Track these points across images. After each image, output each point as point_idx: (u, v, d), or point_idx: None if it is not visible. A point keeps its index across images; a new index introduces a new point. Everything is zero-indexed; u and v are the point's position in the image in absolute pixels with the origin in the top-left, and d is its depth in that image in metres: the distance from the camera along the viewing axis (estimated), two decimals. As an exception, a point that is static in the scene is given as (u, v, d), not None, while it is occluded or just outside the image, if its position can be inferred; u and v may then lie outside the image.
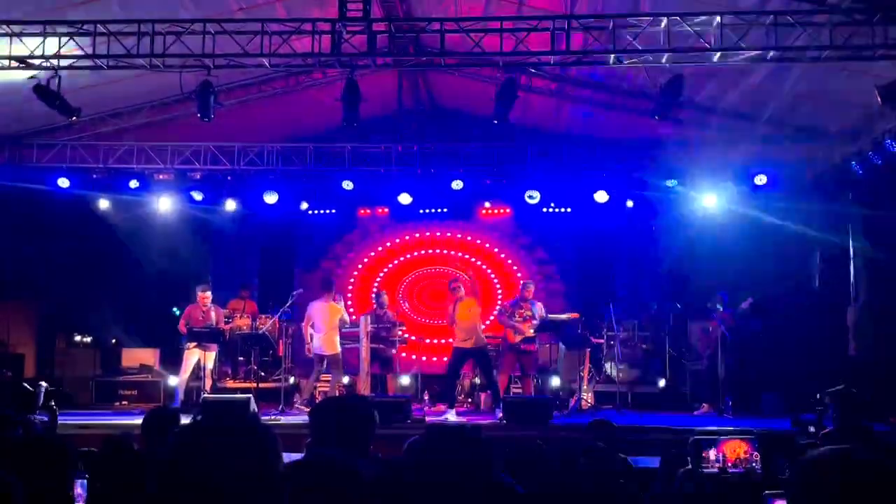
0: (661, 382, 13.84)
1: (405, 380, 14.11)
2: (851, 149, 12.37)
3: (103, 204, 14.64)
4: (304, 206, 15.72)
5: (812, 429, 8.57)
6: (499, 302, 16.02)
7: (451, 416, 11.77)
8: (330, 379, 13.13)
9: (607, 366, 14.23)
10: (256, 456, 1.98)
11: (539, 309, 12.85)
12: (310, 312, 12.99)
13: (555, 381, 13.40)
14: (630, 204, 14.48)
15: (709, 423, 11.19)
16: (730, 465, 6.98)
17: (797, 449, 6.88)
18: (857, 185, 12.59)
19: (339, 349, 12.82)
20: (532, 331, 12.61)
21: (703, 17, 9.52)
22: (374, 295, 14.63)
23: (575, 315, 13.49)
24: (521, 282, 13.88)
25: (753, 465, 6.92)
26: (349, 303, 16.40)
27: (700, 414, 12.62)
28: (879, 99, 9.87)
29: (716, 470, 6.82)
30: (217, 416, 2.06)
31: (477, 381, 13.65)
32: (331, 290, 13.03)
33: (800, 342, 13.56)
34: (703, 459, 6.78)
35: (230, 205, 15.24)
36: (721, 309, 12.78)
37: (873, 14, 9.12)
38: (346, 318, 13.08)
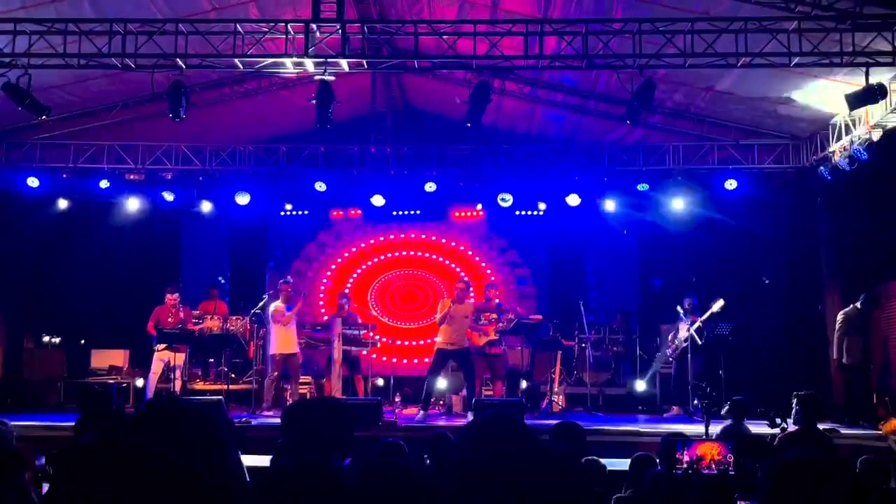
0: (642, 386, 13.89)
1: (377, 382, 14.07)
2: (820, 154, 12.52)
3: (73, 204, 14.50)
4: (277, 207, 15.68)
5: (779, 420, 8.91)
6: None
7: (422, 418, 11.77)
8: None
9: (578, 368, 14.31)
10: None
11: (506, 313, 12.88)
12: None
13: (523, 384, 13.42)
14: (604, 207, 14.54)
15: (679, 425, 11.28)
16: (703, 466, 7.06)
17: (769, 451, 7.00)
18: (826, 191, 12.75)
19: (272, 349, 12.99)
20: (496, 333, 12.61)
21: (674, 23, 9.61)
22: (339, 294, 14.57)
23: (539, 317, 13.52)
24: (486, 284, 13.86)
25: (727, 466, 7.00)
26: (321, 303, 16.38)
27: (670, 416, 12.71)
28: (847, 106, 10.02)
29: (689, 472, 6.90)
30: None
31: (444, 384, 13.59)
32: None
33: (769, 345, 13.72)
34: (677, 461, 6.86)
35: (201, 205, 15.16)
36: (690, 312, 12.86)
37: (842, 22, 9.26)
38: (271, 312, 13.04)
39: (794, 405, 7.75)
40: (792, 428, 7.94)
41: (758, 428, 9.33)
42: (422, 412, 11.97)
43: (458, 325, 12.20)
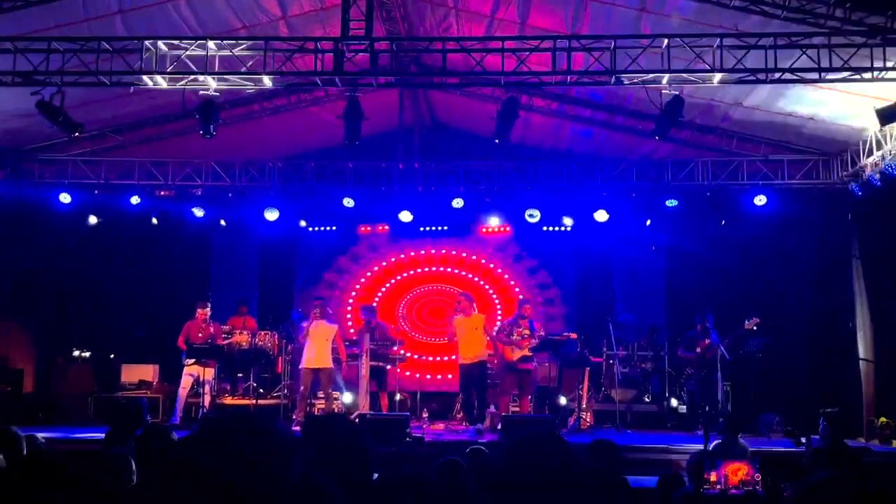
0: (674, 402, 13.78)
1: (399, 397, 14.01)
2: (850, 170, 12.42)
3: (104, 220, 14.64)
4: (306, 223, 15.77)
5: (803, 439, 9.02)
6: (498, 320, 16.00)
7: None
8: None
9: (606, 385, 14.21)
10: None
11: (538, 328, 12.89)
12: None
13: (562, 400, 13.34)
14: (644, 223, 14.49)
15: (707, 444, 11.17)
16: (731, 486, 7.00)
17: (799, 470, 6.94)
18: (856, 206, 12.63)
19: (300, 363, 12.99)
20: (529, 349, 12.63)
21: (703, 39, 9.58)
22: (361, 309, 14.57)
23: (573, 335, 13.48)
24: (519, 300, 13.90)
25: (755, 487, 6.95)
26: (349, 318, 16.41)
27: (699, 434, 12.57)
28: (878, 121, 9.94)
29: (717, 491, 6.85)
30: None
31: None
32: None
33: (799, 363, 13.57)
34: (705, 481, 6.81)
35: (230, 221, 15.26)
36: (707, 329, 12.72)
37: (872, 36, 9.19)
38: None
39: (820, 422, 7.72)
40: (817, 444, 7.90)
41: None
42: (472, 427, 12.33)
43: (468, 340, 12.51)
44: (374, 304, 15.08)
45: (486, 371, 12.70)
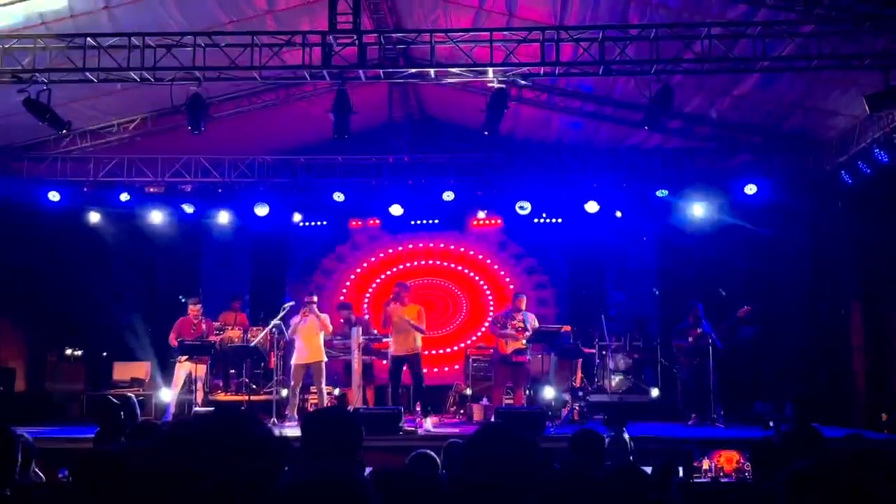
0: (654, 392, 13.80)
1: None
2: (840, 158, 12.42)
3: (94, 217, 14.58)
4: (296, 217, 15.72)
5: (771, 423, 9.17)
6: (490, 312, 16.03)
7: (428, 425, 11.82)
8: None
9: (599, 376, 14.22)
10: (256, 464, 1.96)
11: (532, 320, 12.86)
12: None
13: (549, 393, 13.31)
14: (620, 214, 14.49)
15: (701, 433, 11.19)
16: (722, 474, 7.06)
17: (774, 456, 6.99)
18: (847, 194, 12.64)
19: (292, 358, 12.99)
20: (524, 341, 12.62)
21: (691, 28, 9.57)
22: (337, 306, 14.55)
23: (567, 328, 13.46)
24: (513, 293, 13.88)
25: (746, 474, 7.00)
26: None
27: (693, 424, 12.58)
28: (867, 108, 9.94)
29: (708, 479, 6.90)
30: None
31: (468, 391, 13.63)
32: None
33: (791, 351, 13.59)
34: (696, 469, 6.86)
35: (221, 217, 15.19)
36: (699, 318, 12.73)
37: (860, 24, 9.19)
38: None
39: (787, 406, 7.86)
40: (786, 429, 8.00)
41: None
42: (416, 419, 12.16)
43: (398, 330, 12.35)
44: (349, 301, 15.04)
45: (420, 364, 12.60)
